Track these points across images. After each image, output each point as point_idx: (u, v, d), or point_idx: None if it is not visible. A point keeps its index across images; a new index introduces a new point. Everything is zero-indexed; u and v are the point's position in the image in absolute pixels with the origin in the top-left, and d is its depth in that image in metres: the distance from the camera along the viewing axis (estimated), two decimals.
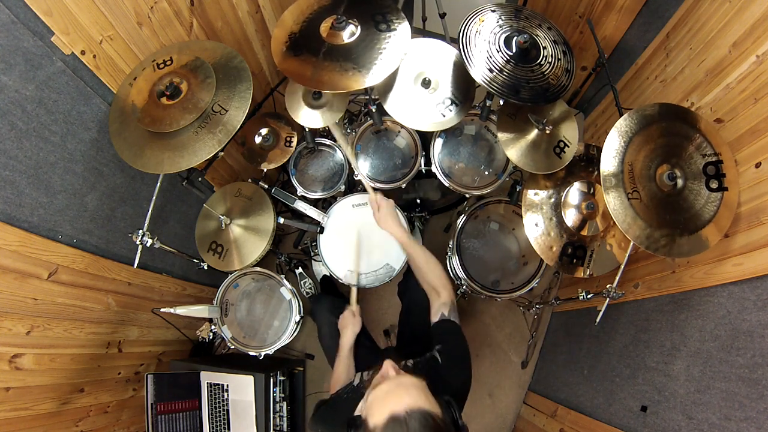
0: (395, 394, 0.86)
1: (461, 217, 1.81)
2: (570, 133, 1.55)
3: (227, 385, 1.86)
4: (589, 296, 1.53)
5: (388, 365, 0.96)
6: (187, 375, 1.85)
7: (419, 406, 0.82)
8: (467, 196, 1.80)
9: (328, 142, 1.89)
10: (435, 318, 1.27)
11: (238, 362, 1.99)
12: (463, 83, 1.56)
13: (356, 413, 0.90)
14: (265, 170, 1.83)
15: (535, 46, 1.42)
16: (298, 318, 1.81)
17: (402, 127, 1.81)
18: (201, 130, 1.28)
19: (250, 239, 1.71)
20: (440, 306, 1.29)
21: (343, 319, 1.55)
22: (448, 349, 1.17)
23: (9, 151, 1.10)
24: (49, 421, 1.41)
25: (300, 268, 2.22)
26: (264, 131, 1.84)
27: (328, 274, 2.19)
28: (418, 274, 1.41)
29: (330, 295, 2.20)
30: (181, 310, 1.61)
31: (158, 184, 1.40)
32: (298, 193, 1.86)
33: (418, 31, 2.24)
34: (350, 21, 1.42)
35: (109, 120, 1.33)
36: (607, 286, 1.41)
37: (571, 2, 2.01)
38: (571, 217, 1.55)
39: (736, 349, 1.12)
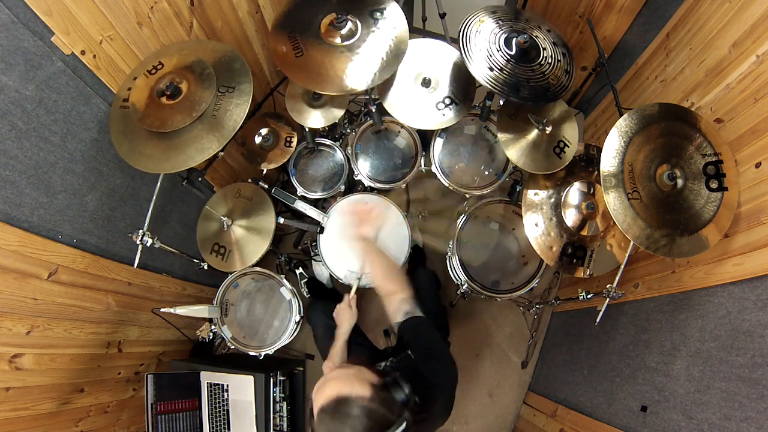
0: (320, 390, 0.93)
1: (461, 217, 1.81)
2: (570, 133, 1.55)
3: (227, 385, 1.86)
4: (589, 296, 1.53)
5: (325, 369, 1.02)
6: (187, 375, 1.85)
7: (336, 394, 0.89)
8: (467, 196, 1.80)
9: (328, 142, 1.89)
10: (398, 317, 1.21)
11: (238, 362, 1.99)
12: (463, 83, 1.57)
13: None
14: (265, 170, 1.83)
15: (534, 47, 1.43)
16: (298, 318, 1.81)
17: (402, 127, 1.81)
18: (201, 130, 1.28)
19: (251, 240, 1.71)
20: (400, 303, 1.22)
21: (340, 311, 1.51)
22: (420, 347, 1.14)
23: (9, 151, 1.10)
24: (49, 421, 1.41)
25: (300, 268, 2.21)
26: (264, 131, 1.84)
27: (317, 277, 2.20)
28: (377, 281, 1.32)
29: (321, 298, 2.19)
30: (181, 310, 1.61)
31: (158, 183, 1.40)
32: (298, 193, 1.86)
33: (418, 31, 2.24)
34: (349, 18, 1.42)
35: (110, 120, 1.33)
36: (607, 286, 1.41)
37: (571, 2, 2.01)
38: (571, 217, 1.55)
39: (736, 349, 1.12)
